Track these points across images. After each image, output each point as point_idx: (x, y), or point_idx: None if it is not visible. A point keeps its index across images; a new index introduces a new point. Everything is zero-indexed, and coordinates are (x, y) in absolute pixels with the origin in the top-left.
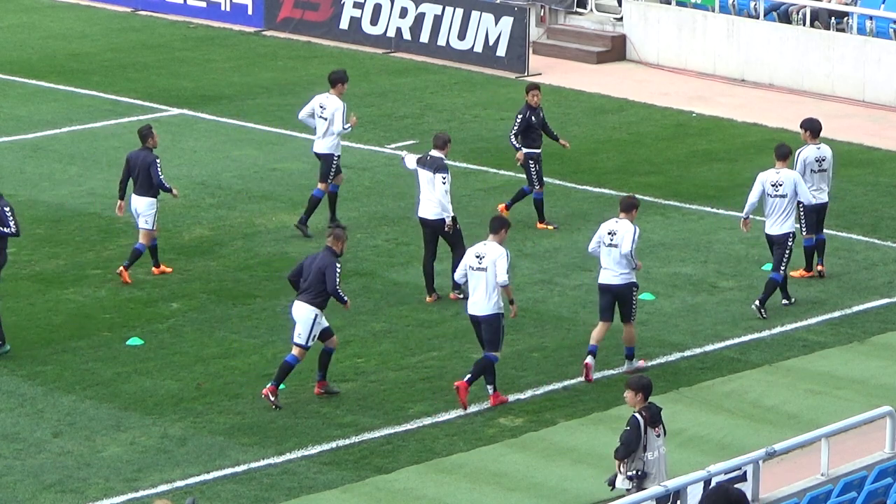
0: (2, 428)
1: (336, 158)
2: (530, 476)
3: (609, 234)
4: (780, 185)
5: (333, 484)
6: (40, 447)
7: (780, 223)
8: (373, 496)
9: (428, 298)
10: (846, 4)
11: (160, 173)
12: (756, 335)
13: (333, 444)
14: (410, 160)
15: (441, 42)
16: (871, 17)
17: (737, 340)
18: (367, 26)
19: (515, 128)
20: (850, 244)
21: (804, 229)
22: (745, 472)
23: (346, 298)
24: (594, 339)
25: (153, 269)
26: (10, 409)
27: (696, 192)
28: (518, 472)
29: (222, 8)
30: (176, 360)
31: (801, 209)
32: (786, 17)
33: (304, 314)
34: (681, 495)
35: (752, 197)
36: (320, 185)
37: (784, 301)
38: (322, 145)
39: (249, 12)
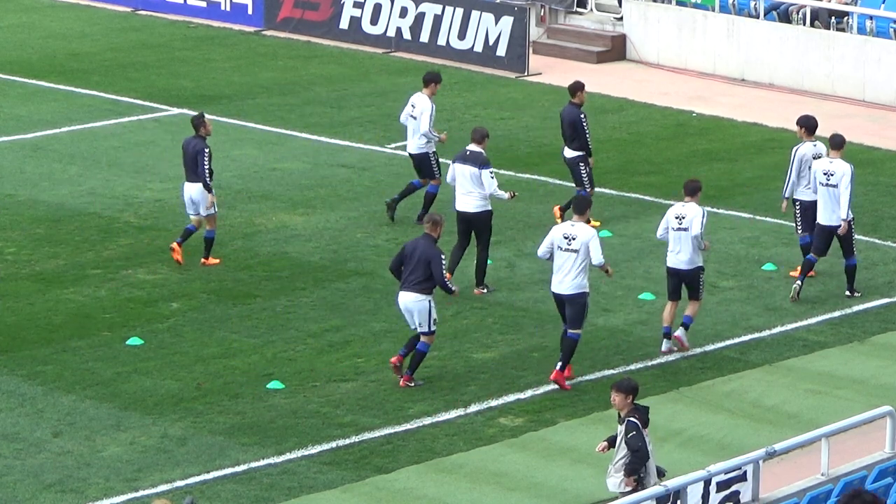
0: (2, 428)
1: (432, 154)
2: (530, 476)
3: (677, 218)
4: (832, 175)
5: (333, 484)
6: (40, 447)
7: (835, 213)
8: (373, 496)
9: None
10: (846, 4)
11: (206, 163)
12: (756, 335)
13: (333, 444)
14: (449, 173)
15: (441, 42)
16: (871, 17)
17: (737, 340)
18: (367, 26)
19: (588, 130)
20: None
21: (799, 228)
22: (745, 472)
23: (453, 289)
24: (665, 320)
25: (174, 243)
26: (10, 409)
27: None
28: (518, 472)
29: (222, 8)
30: (176, 360)
31: (797, 206)
32: (786, 17)
33: (417, 304)
34: (681, 495)
35: (816, 189)
36: (432, 182)
37: (796, 285)
38: (413, 145)
39: (249, 12)
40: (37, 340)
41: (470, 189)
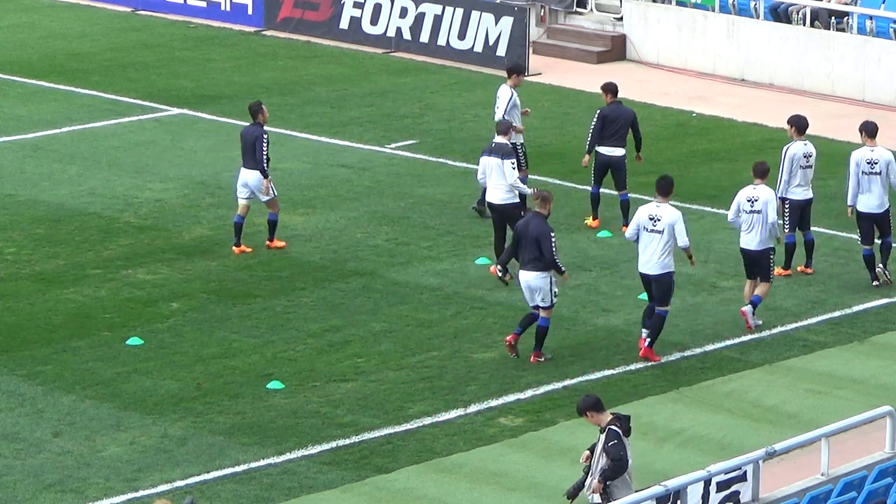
0: (2, 428)
1: (520, 147)
2: (530, 476)
3: (749, 201)
4: (875, 163)
5: (333, 484)
6: (40, 447)
7: (878, 200)
8: (373, 496)
9: (496, 271)
10: (846, 4)
11: (264, 149)
12: (756, 335)
13: (333, 444)
14: (480, 170)
15: (441, 42)
16: (871, 17)
17: (737, 340)
18: (367, 26)
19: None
20: (850, 244)
21: (787, 226)
22: (745, 472)
23: (563, 269)
24: (746, 296)
25: (233, 247)
26: (10, 409)
27: (696, 192)
28: (518, 472)
29: (222, 8)
30: (176, 360)
31: (787, 205)
32: (786, 17)
33: (537, 282)
34: (681, 495)
35: (852, 181)
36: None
37: (876, 281)
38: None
39: (249, 12)
40: (37, 340)
41: (498, 180)
